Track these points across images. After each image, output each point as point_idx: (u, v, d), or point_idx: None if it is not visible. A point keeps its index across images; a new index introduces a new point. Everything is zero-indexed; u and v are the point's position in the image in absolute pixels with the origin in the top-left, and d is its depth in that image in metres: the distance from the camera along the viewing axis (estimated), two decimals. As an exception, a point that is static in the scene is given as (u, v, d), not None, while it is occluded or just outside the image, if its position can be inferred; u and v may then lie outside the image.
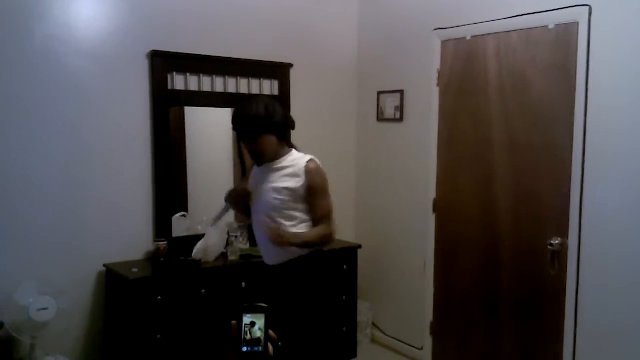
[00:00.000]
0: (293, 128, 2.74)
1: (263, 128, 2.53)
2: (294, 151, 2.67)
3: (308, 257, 2.65)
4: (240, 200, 2.75)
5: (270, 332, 1.15)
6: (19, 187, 3.06)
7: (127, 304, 3.13)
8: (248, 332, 1.13)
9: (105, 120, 3.31)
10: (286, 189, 2.56)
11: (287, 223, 2.58)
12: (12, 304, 2.81)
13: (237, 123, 2.61)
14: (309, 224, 2.62)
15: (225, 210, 2.84)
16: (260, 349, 1.13)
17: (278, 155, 2.62)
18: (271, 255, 2.68)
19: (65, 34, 3.15)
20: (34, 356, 2.89)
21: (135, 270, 3.16)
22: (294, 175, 2.57)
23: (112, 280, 3.28)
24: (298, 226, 2.60)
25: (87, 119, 3.25)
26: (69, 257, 3.22)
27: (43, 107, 3.11)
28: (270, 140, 2.57)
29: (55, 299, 2.88)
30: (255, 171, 2.74)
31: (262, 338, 1.13)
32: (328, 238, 2.66)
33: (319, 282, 2.73)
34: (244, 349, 1.13)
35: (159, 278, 3.17)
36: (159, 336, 3.11)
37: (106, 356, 3.35)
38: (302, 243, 2.58)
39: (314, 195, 2.58)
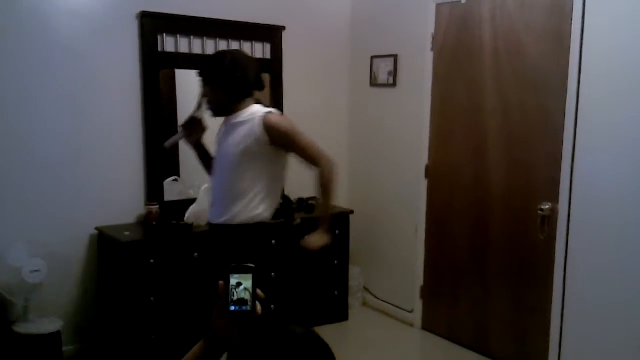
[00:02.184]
0: (259, 89, 2.57)
1: (212, 78, 2.47)
2: (254, 105, 2.51)
3: (253, 227, 2.49)
4: (193, 128, 2.61)
5: (258, 291, 1.15)
6: (10, 149, 3.03)
7: (119, 267, 3.14)
8: (235, 292, 1.13)
9: (95, 82, 3.27)
10: (243, 143, 2.41)
11: (245, 183, 2.44)
12: (3, 266, 2.81)
13: (200, 63, 2.61)
14: (262, 181, 2.46)
15: (179, 137, 2.66)
16: (248, 308, 1.13)
17: (235, 110, 2.48)
18: (219, 214, 2.52)
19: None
20: (27, 318, 2.91)
21: (127, 233, 3.16)
22: (250, 130, 2.40)
23: (105, 243, 3.28)
24: (257, 184, 2.45)
25: (76, 81, 3.21)
26: (61, 220, 3.21)
27: (32, 68, 3.06)
28: (215, 93, 2.48)
29: (47, 261, 2.88)
30: (220, 128, 2.61)
31: (250, 297, 1.13)
32: (332, 173, 2.53)
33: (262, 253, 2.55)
34: (232, 308, 1.13)
35: (151, 241, 3.18)
36: (152, 299, 3.13)
37: (99, 318, 3.37)
38: (331, 206, 2.60)
39: (288, 140, 2.44)
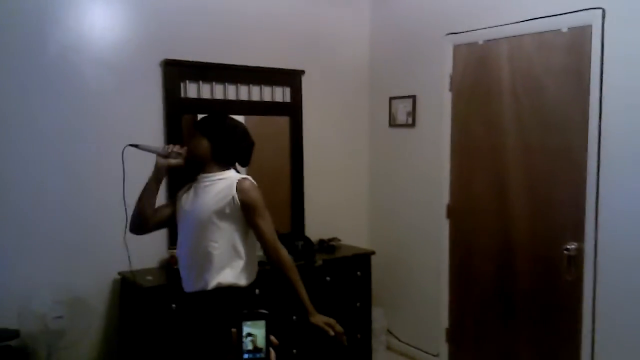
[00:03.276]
0: (243, 164, 2.54)
1: (208, 130, 2.43)
2: (231, 170, 2.47)
3: (226, 291, 2.38)
4: (174, 153, 2.44)
5: (272, 337, 1.15)
6: (34, 195, 3.08)
7: (141, 311, 3.13)
8: (249, 342, 1.13)
9: (119, 129, 3.33)
10: (216, 205, 2.34)
11: (214, 244, 2.35)
12: (27, 313, 2.83)
13: (203, 117, 2.54)
14: (237, 244, 2.38)
15: (156, 150, 2.47)
16: (262, 355, 1.13)
17: (209, 170, 2.42)
18: (192, 282, 2.43)
19: (79, 43, 3.18)
20: (49, 365, 2.91)
21: (149, 278, 3.17)
22: (225, 191, 2.35)
23: (127, 288, 3.29)
24: (223, 247, 2.36)
25: (101, 128, 3.27)
26: (84, 265, 3.23)
27: (56, 116, 3.13)
28: (203, 146, 2.41)
29: (70, 306, 2.90)
30: (185, 190, 2.52)
31: (264, 344, 1.13)
32: (294, 267, 2.44)
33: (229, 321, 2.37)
34: (245, 356, 1.12)
35: (173, 286, 3.17)
36: (172, 344, 3.11)
37: (121, 364, 3.36)
38: (304, 292, 2.45)
39: (254, 212, 2.35)
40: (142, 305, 3.12)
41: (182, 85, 3.54)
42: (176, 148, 2.46)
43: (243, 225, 2.39)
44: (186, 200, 2.47)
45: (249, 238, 2.44)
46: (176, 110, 3.52)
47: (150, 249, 3.43)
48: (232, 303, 2.37)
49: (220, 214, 2.34)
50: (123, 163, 2.50)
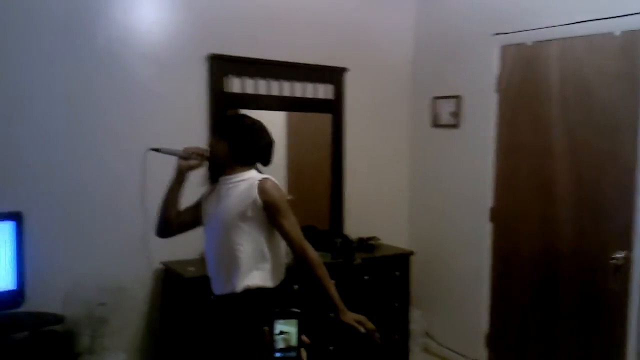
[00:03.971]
0: (264, 163, 2.48)
1: (226, 132, 2.40)
2: (252, 170, 2.41)
3: (253, 293, 2.35)
4: (195, 155, 2.42)
5: (303, 337, 1.14)
6: (81, 185, 3.16)
7: (182, 301, 3.18)
8: (280, 340, 1.12)
9: (163, 122, 3.38)
10: (240, 206, 2.31)
11: (240, 247, 2.32)
12: (72, 299, 2.90)
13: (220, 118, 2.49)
14: (263, 246, 2.35)
15: (176, 153, 2.45)
16: (294, 354, 1.12)
17: (231, 172, 2.39)
18: (221, 285, 2.42)
19: (126, 36, 3.24)
20: (93, 351, 2.97)
21: (191, 269, 3.21)
22: (247, 193, 2.31)
23: (169, 278, 3.35)
24: (249, 249, 2.33)
25: (146, 120, 3.33)
26: (128, 254, 3.30)
27: (103, 108, 3.20)
28: (222, 148, 2.38)
29: (114, 294, 2.96)
30: (210, 190, 2.51)
31: (295, 343, 1.12)
32: (322, 265, 2.37)
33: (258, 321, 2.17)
34: (277, 354, 1.12)
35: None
36: (211, 336, 3.15)
37: (162, 353, 3.41)
38: (334, 290, 2.38)
39: (277, 213, 2.31)
40: (183, 295, 3.17)
41: (226, 80, 3.57)
42: (197, 150, 2.43)
43: (267, 226, 2.35)
44: (210, 202, 2.44)
45: (274, 239, 2.40)
46: (220, 105, 3.55)
47: (193, 240, 3.47)
48: (261, 305, 2.33)
49: (243, 216, 2.30)
50: (145, 167, 2.51)
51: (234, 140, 2.38)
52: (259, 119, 2.51)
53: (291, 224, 2.33)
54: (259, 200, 2.29)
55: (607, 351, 3.10)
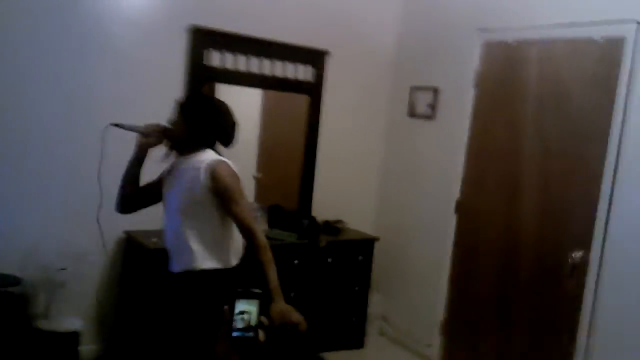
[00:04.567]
0: (225, 144, 2.44)
1: (185, 111, 2.37)
2: (208, 151, 2.36)
3: (210, 273, 2.34)
4: (154, 132, 2.37)
5: (262, 317, 1.15)
6: (48, 149, 3.12)
7: (142, 272, 3.18)
8: (240, 319, 1.13)
9: (141, 87, 3.35)
10: (190, 190, 2.29)
11: (191, 229, 2.30)
12: (32, 261, 2.88)
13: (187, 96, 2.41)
14: (215, 227, 2.33)
15: (136, 128, 2.40)
16: (252, 334, 1.14)
17: (190, 151, 2.35)
18: (176, 263, 2.41)
19: (111, 1, 3.19)
20: (49, 315, 2.96)
21: (154, 239, 3.20)
22: (197, 176, 2.27)
23: (131, 247, 3.33)
24: (202, 231, 2.31)
25: (124, 83, 3.30)
26: (91, 221, 3.24)
27: (79, 72, 3.15)
28: (181, 126, 2.35)
29: (75, 260, 2.95)
30: (168, 170, 2.47)
31: (254, 323, 1.14)
32: (267, 250, 2.28)
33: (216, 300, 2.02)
34: (235, 333, 1.13)
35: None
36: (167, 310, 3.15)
37: (117, 321, 3.41)
38: (275, 278, 2.27)
39: (226, 198, 2.26)
40: (144, 266, 3.16)
41: (206, 52, 3.53)
42: (157, 127, 2.37)
43: (219, 208, 2.30)
44: (167, 181, 2.42)
45: (228, 220, 2.34)
46: (198, 78, 3.52)
47: (158, 212, 3.45)
48: (214, 285, 2.31)
49: (194, 199, 2.28)
50: (102, 143, 2.44)
51: (192, 120, 2.34)
52: (223, 100, 2.47)
53: (240, 207, 2.27)
54: (209, 184, 2.25)
55: (559, 348, 3.19)
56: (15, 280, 2.78)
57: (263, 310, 1.16)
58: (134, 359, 3.24)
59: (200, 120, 2.35)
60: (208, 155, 2.32)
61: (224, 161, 2.31)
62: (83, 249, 3.09)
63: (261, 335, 1.15)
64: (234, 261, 2.38)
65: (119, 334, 3.40)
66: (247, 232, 2.28)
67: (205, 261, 2.31)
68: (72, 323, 3.01)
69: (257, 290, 1.16)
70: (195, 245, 2.30)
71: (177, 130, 2.35)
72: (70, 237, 3.11)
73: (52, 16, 3.04)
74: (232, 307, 1.13)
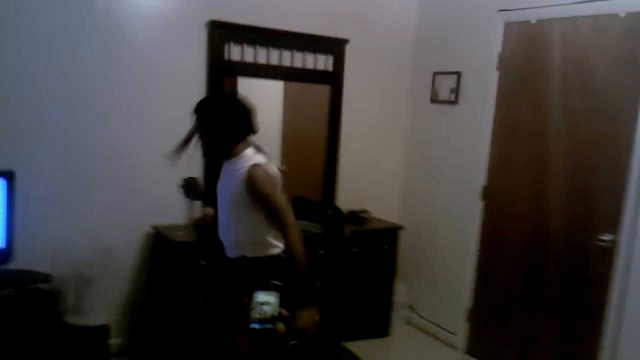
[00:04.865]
0: (250, 134, 2.52)
1: (205, 119, 2.45)
2: (246, 152, 2.46)
3: (263, 260, 2.48)
4: (190, 189, 2.90)
5: (282, 310, 1.16)
6: (76, 145, 3.18)
7: (171, 265, 3.24)
8: (259, 311, 1.14)
9: (162, 87, 3.39)
10: (234, 192, 2.42)
11: (240, 225, 2.47)
12: (60, 257, 2.95)
13: (198, 102, 2.51)
14: (261, 221, 2.44)
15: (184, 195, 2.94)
16: (271, 326, 1.14)
17: (230, 154, 2.46)
18: (231, 251, 2.58)
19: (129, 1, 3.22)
20: (78, 310, 3.03)
21: (180, 233, 3.25)
22: (236, 179, 2.40)
23: (159, 242, 3.39)
24: (250, 224, 2.45)
25: (145, 82, 3.34)
26: (120, 216, 3.34)
27: (102, 71, 3.20)
28: (208, 135, 2.46)
29: (104, 255, 3.01)
30: (222, 169, 2.58)
31: (274, 314, 1.14)
32: (297, 246, 2.39)
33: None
34: (256, 325, 1.14)
35: (204, 243, 3.25)
36: (200, 299, 3.21)
37: (146, 314, 3.49)
38: (304, 266, 2.38)
39: (264, 202, 2.39)
40: (172, 259, 3.22)
41: (226, 47, 3.55)
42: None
43: (259, 208, 2.41)
44: (219, 185, 2.59)
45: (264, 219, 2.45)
46: (219, 73, 3.53)
47: (183, 207, 3.51)
48: (265, 270, 2.43)
49: (239, 199, 2.41)
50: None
51: (213, 126, 2.44)
52: (231, 92, 2.58)
53: (275, 210, 2.40)
54: (247, 190, 2.37)
55: (587, 332, 3.13)
56: (45, 278, 2.85)
57: (283, 301, 1.16)
58: (162, 351, 3.31)
59: (219, 124, 2.43)
60: (246, 159, 2.43)
61: (259, 165, 2.39)
62: (112, 244, 3.16)
63: (281, 326, 1.16)
64: (276, 251, 2.48)
65: (147, 327, 3.47)
66: (282, 231, 2.44)
67: (251, 251, 2.48)
68: (101, 317, 3.08)
69: (277, 282, 1.17)
70: (242, 238, 2.50)
71: (207, 140, 2.48)
72: (99, 232, 3.19)
73: (67, 14, 3.07)
74: (253, 300, 1.14)
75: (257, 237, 2.47)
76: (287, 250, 2.41)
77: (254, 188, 2.35)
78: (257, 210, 2.41)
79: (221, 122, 2.42)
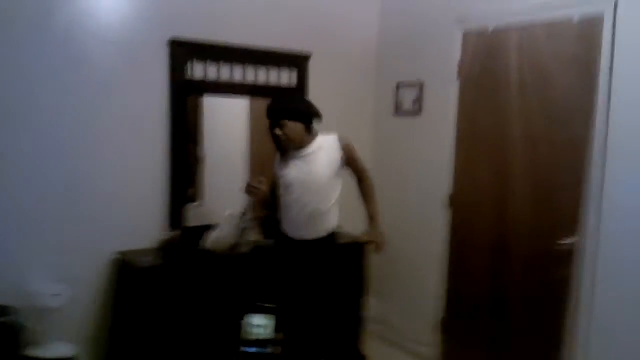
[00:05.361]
0: (319, 117, 3.09)
1: (295, 115, 2.96)
2: (319, 135, 3.05)
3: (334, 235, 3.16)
4: (253, 192, 3.08)
5: (279, 334, 1.13)
6: (34, 174, 3.07)
7: (136, 292, 3.15)
8: (254, 334, 1.11)
9: (123, 108, 3.31)
10: (331, 167, 2.98)
11: (332, 194, 3.05)
12: (23, 290, 2.84)
13: (277, 105, 3.02)
14: (338, 193, 3.09)
15: (248, 203, 3.26)
16: (269, 349, 1.12)
17: (306, 143, 3.00)
18: (311, 231, 3.05)
19: (86, 20, 3.14)
20: (42, 342, 2.90)
21: (146, 258, 3.18)
22: (332, 153, 3.00)
23: (124, 268, 3.30)
24: (335, 195, 3.06)
25: (104, 107, 3.24)
26: (83, 244, 3.23)
27: (59, 94, 3.10)
28: (297, 129, 2.95)
29: (68, 285, 2.91)
30: (284, 164, 3.06)
31: (269, 338, 1.12)
32: (374, 189, 3.28)
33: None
34: (252, 349, 1.12)
35: (170, 267, 3.19)
36: (168, 325, 3.13)
37: (113, 344, 3.37)
38: (377, 210, 3.26)
39: (356, 160, 3.15)
40: (137, 286, 3.13)
41: (188, 65, 3.51)
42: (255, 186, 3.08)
43: (341, 177, 3.10)
44: (289, 171, 3.02)
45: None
46: (182, 91, 3.48)
47: (148, 229, 3.43)
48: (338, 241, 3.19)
49: (336, 170, 3.03)
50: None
51: (305, 118, 2.99)
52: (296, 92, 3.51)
53: (364, 165, 3.23)
54: (344, 157, 3.05)
55: (558, 336, 3.16)
56: (6, 310, 2.74)
57: (279, 325, 1.14)
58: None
59: (308, 110, 3.03)
60: (325, 139, 3.05)
61: (343, 137, 3.09)
62: (76, 273, 3.06)
63: (277, 350, 1.14)
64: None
65: (118, 358, 3.36)
66: (367, 177, 3.25)
67: (332, 223, 3.14)
68: (66, 349, 2.96)
69: (272, 306, 1.15)
70: (329, 213, 3.07)
71: (295, 134, 2.96)
72: (62, 262, 3.08)
73: (27, 33, 2.97)
74: (248, 322, 1.11)
75: (336, 207, 3.08)
76: (369, 189, 3.25)
77: (351, 152, 3.08)
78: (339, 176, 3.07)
79: (309, 113, 3.01)
